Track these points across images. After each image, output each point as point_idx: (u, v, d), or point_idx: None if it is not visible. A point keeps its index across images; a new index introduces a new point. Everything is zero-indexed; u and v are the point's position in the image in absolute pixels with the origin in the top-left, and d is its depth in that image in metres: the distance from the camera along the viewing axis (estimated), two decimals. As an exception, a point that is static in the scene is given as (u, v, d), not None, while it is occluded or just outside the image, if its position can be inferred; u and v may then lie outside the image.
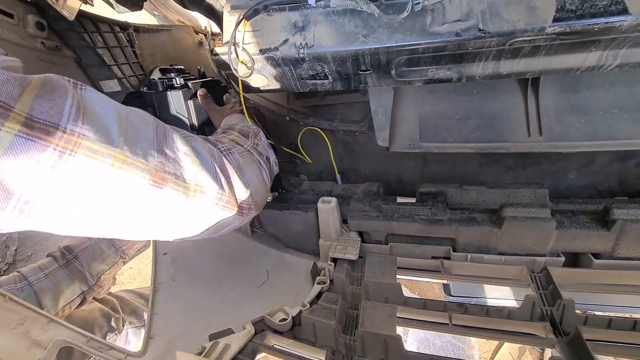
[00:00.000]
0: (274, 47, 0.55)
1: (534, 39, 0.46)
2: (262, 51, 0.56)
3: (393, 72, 0.57)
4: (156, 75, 1.06)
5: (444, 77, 0.57)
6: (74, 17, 0.63)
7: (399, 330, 0.64)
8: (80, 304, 0.92)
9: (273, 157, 0.74)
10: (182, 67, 1.06)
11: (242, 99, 0.67)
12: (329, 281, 0.76)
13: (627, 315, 0.66)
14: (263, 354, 0.57)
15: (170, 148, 0.44)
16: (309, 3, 0.49)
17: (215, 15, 0.72)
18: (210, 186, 0.48)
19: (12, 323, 0.57)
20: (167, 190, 0.42)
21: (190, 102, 0.91)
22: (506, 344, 1.46)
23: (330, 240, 0.81)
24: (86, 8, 0.86)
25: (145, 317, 1.02)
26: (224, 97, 0.96)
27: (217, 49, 0.59)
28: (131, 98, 0.92)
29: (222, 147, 0.55)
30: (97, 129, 0.36)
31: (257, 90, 0.68)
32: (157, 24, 1.17)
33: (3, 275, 1.01)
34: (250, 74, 0.58)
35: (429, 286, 1.71)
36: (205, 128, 0.95)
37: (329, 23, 0.53)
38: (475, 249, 0.74)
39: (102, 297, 1.04)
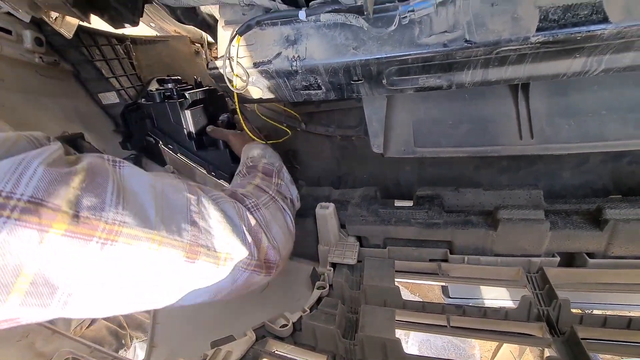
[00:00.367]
0: (267, 60, 0.57)
1: (519, 48, 0.47)
2: (256, 64, 0.58)
3: (384, 81, 0.58)
4: (153, 85, 1.08)
5: (434, 85, 0.58)
6: (72, 35, 0.64)
7: (399, 333, 0.65)
8: (91, 324, 0.94)
9: (295, 193, 0.77)
10: (179, 77, 1.07)
11: (238, 111, 0.69)
12: (328, 286, 0.77)
13: (623, 313, 0.67)
14: (264, 360, 0.58)
15: (203, 217, 0.46)
16: (300, 18, 0.51)
17: (210, 29, 0.73)
18: (240, 253, 0.49)
19: (17, 336, 0.59)
20: (200, 263, 0.44)
21: (188, 112, 0.93)
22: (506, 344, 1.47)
23: (329, 245, 0.82)
24: (84, 23, 0.88)
25: (150, 327, 1.04)
26: (234, 117, 0.98)
27: (211, 64, 0.60)
28: (130, 110, 0.94)
29: (250, 203, 0.57)
30: (136, 213, 0.38)
31: (252, 101, 0.69)
32: (154, 35, 1.19)
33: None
34: (245, 87, 0.60)
35: (430, 287, 1.72)
36: (202, 138, 0.97)
37: (320, 36, 0.54)
38: (472, 251, 0.75)
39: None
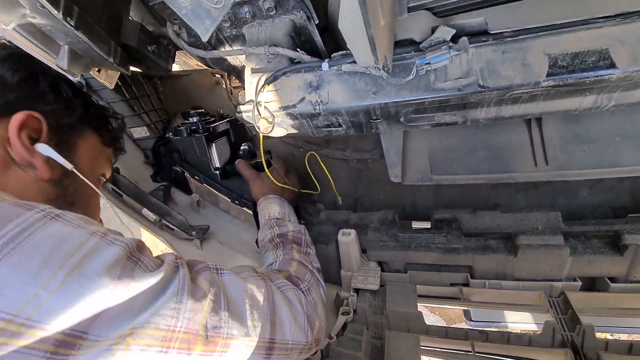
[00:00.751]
0: (292, 104, 0.61)
1: (531, 91, 0.50)
2: (281, 108, 0.62)
3: (402, 119, 0.62)
4: (178, 119, 1.14)
5: (449, 121, 0.61)
6: (113, 86, 0.70)
7: (424, 359, 0.67)
8: None
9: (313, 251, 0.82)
10: (202, 109, 1.14)
11: (262, 156, 0.74)
12: (352, 311, 0.79)
13: (649, 338, 0.67)
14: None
15: (279, 316, 0.52)
16: (323, 69, 0.55)
17: (236, 71, 0.79)
18: (301, 340, 0.55)
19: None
20: (273, 359, 0.50)
21: (212, 145, 0.98)
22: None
23: (351, 271, 0.85)
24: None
25: None
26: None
27: (240, 107, 0.65)
28: (159, 145, 1.00)
29: (304, 287, 0.63)
30: (239, 324, 0.44)
31: (276, 137, 0.74)
32: (179, 69, 1.26)
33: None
34: (272, 130, 0.64)
35: (452, 309, 1.71)
36: (226, 167, 1.02)
37: (341, 82, 0.59)
38: (493, 276, 0.76)
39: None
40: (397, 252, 0.82)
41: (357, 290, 0.83)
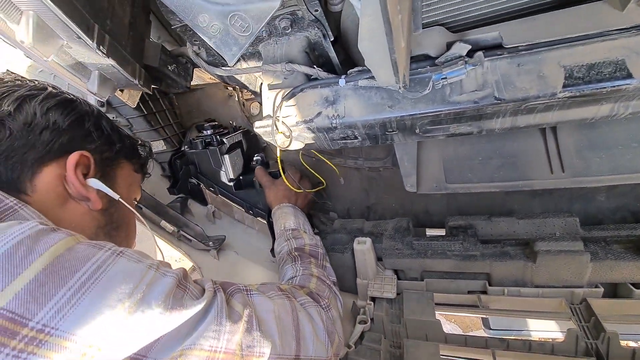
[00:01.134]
0: (309, 119, 0.63)
1: (547, 102, 0.51)
2: (298, 123, 0.64)
3: (417, 130, 0.63)
4: (193, 132, 1.17)
5: (464, 132, 0.62)
6: (135, 105, 0.73)
7: (444, 368, 0.67)
8: None
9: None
10: (216, 121, 1.17)
11: (279, 165, 0.75)
12: (369, 320, 0.80)
13: (676, 345, 0.66)
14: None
15: (303, 334, 0.55)
16: (340, 85, 0.57)
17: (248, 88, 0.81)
18: (323, 355, 0.57)
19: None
20: None
21: (226, 157, 1.01)
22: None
23: (367, 279, 0.85)
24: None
25: None
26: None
27: (258, 123, 0.67)
28: (176, 158, 1.03)
29: (324, 304, 0.66)
30: (270, 342, 0.47)
31: (292, 150, 0.76)
32: (193, 84, 1.30)
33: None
34: (290, 144, 0.66)
35: (468, 317, 1.69)
36: (240, 178, 1.04)
37: (357, 96, 0.60)
38: (511, 283, 0.76)
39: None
40: (413, 260, 0.82)
41: (373, 299, 0.84)
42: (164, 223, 0.96)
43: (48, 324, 0.31)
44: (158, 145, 1.07)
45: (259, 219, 1.05)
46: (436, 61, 0.52)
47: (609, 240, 0.75)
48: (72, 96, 0.54)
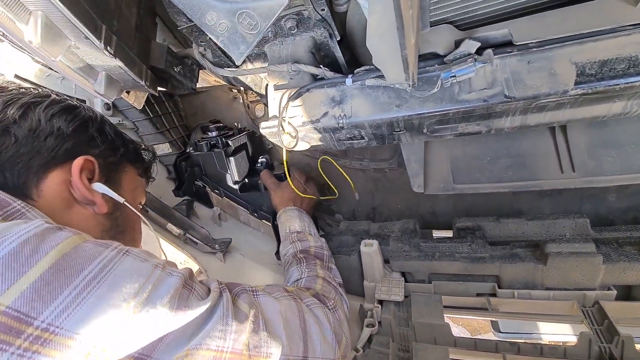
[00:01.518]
0: (315, 119, 0.62)
1: (558, 99, 0.50)
2: (304, 123, 0.64)
3: (425, 130, 0.62)
4: (198, 133, 1.17)
5: (473, 131, 0.61)
6: (141, 106, 0.73)
7: (453, 372, 0.65)
8: None
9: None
10: (220, 122, 1.17)
11: (285, 168, 0.75)
12: (377, 323, 0.79)
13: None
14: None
15: (310, 335, 0.54)
16: (346, 84, 0.56)
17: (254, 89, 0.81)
18: (330, 356, 0.57)
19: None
20: None
21: (232, 159, 1.00)
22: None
23: (374, 282, 0.84)
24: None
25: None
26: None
27: (264, 123, 0.66)
28: (181, 160, 1.03)
29: (330, 304, 0.65)
30: (277, 343, 0.47)
31: (298, 151, 0.75)
32: (197, 86, 1.30)
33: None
34: (296, 144, 0.65)
35: (476, 320, 1.67)
36: (245, 180, 1.04)
37: (364, 96, 0.59)
38: (521, 285, 0.75)
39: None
40: (420, 262, 0.81)
41: (381, 302, 0.83)
42: (170, 226, 0.96)
43: (53, 323, 0.31)
44: (164, 148, 1.07)
45: (264, 221, 1.05)
46: (445, 59, 0.51)
47: (621, 242, 0.73)
48: (75, 102, 0.54)
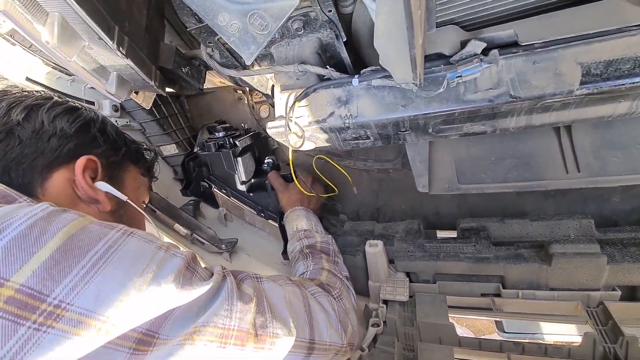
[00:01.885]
0: (322, 119, 0.63)
1: (564, 99, 0.50)
2: (311, 123, 0.64)
3: (430, 130, 0.63)
4: (204, 133, 1.18)
5: (478, 131, 0.62)
6: (149, 107, 0.74)
7: (458, 371, 0.66)
8: None
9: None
10: (226, 122, 1.18)
11: (292, 169, 0.76)
12: (382, 323, 0.79)
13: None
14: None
15: (315, 319, 0.55)
16: (353, 84, 0.57)
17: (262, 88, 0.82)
18: (336, 341, 0.58)
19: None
20: (313, 358, 0.53)
21: (239, 160, 1.01)
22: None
23: (379, 282, 0.85)
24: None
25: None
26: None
27: (270, 123, 0.67)
28: (188, 160, 1.04)
29: (335, 293, 0.66)
30: (283, 325, 0.48)
31: (304, 151, 0.76)
32: (204, 87, 1.32)
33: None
34: (302, 144, 0.66)
35: (480, 320, 1.66)
36: (252, 181, 1.05)
37: (370, 96, 0.60)
38: (526, 285, 0.75)
39: None
40: (425, 263, 0.82)
41: (386, 302, 0.83)
42: (177, 226, 0.97)
43: (64, 299, 0.32)
44: (170, 149, 1.09)
45: (270, 221, 1.05)
46: (451, 59, 0.52)
47: (625, 243, 0.73)
48: (76, 104, 0.55)
